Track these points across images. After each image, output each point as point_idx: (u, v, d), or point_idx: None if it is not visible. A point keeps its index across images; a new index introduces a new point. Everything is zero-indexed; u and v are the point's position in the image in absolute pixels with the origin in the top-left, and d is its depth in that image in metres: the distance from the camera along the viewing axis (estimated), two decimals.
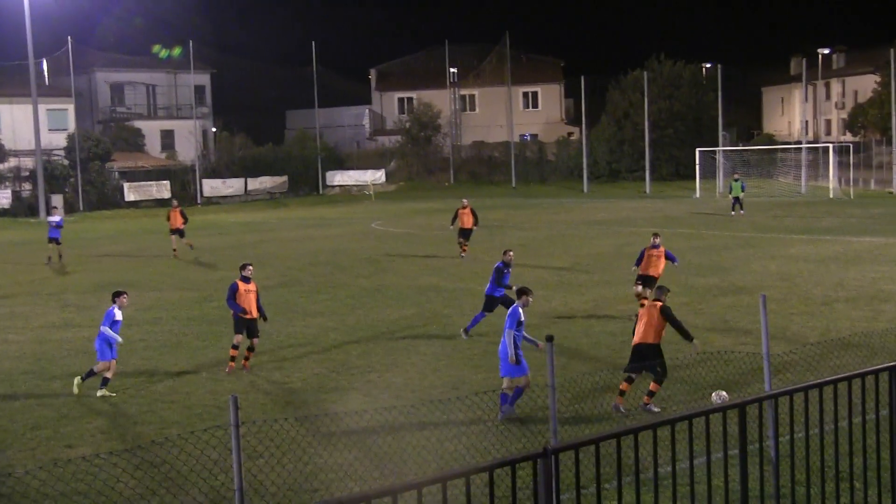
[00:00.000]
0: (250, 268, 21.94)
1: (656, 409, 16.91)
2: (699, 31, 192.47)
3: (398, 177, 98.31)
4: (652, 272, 26.23)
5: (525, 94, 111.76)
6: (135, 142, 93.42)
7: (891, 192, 69.05)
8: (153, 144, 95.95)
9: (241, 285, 21.52)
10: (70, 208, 77.17)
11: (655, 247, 26.56)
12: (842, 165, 72.05)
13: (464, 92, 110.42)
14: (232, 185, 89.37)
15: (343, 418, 15.84)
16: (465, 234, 39.18)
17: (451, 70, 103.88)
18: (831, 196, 66.60)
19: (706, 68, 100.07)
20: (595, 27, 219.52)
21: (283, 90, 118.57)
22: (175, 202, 48.15)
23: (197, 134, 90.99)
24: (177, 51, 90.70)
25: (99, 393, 19.38)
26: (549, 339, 11.59)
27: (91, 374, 19.75)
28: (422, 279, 34.34)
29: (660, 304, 17.67)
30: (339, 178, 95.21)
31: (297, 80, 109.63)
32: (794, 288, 28.91)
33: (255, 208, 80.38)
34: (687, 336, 17.59)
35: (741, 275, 31.80)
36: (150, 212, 74.34)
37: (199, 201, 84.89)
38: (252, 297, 21.54)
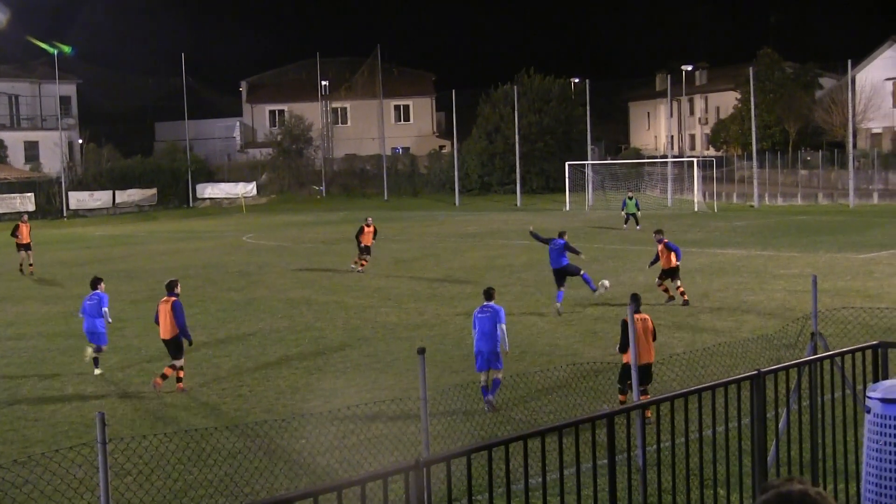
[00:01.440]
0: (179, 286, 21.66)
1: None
2: (568, 46, 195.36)
3: (270, 189, 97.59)
4: (665, 265, 29.30)
5: (397, 108, 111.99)
6: None
7: (752, 206, 70.88)
8: (16, 156, 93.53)
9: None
10: None
11: (659, 241, 29.75)
12: (706, 179, 73.72)
13: (335, 105, 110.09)
14: (99, 198, 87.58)
15: (213, 434, 15.66)
16: (366, 250, 38.90)
17: (323, 83, 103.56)
18: (696, 209, 68.07)
19: (575, 83, 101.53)
20: (466, 41, 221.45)
21: (151, 101, 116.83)
22: (25, 216, 46.15)
23: (63, 145, 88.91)
24: (66, 48, 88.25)
25: (97, 371, 22.00)
26: (421, 351, 11.64)
27: (97, 360, 22.25)
28: (293, 292, 34.14)
29: (648, 316, 17.70)
30: (210, 190, 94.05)
31: (167, 91, 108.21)
32: (661, 299, 29.47)
33: (124, 221, 78.92)
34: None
35: (610, 287, 32.28)
36: (13, 225, 72.36)
37: (65, 214, 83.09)
38: None
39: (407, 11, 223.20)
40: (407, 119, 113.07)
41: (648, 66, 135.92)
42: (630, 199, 56.90)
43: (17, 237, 42.08)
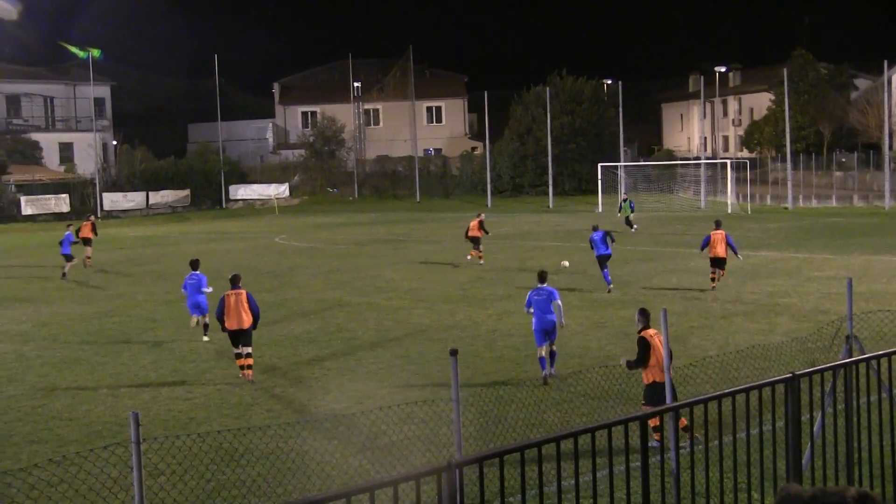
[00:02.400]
0: None
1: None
2: (600, 47, 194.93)
3: (302, 191, 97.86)
4: (715, 253, 31.64)
5: (429, 109, 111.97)
6: (32, 154, 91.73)
7: (785, 208, 70.45)
8: (51, 157, 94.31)
9: None
10: None
11: (717, 230, 32.21)
12: (739, 181, 73.33)
13: (367, 106, 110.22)
14: (133, 199, 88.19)
15: (246, 434, 15.70)
16: (474, 241, 41.36)
17: (355, 84, 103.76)
18: (729, 211, 67.70)
19: (607, 84, 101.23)
20: (498, 43, 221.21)
21: (185, 103, 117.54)
22: (92, 216, 50.22)
23: (97, 147, 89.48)
24: (96, 52, 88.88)
25: (205, 338, 25.27)
26: (454, 352, 11.62)
27: (207, 326, 25.27)
28: (325, 293, 34.21)
29: (656, 331, 16.37)
30: (243, 191, 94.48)
31: (200, 93, 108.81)
32: (693, 301, 29.35)
33: (157, 222, 79.37)
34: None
35: (642, 288, 32.19)
36: (48, 226, 72.96)
37: (98, 215, 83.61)
38: None
39: (439, 13, 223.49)
40: (439, 120, 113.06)
41: (681, 67, 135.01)
42: (625, 201, 56.95)
43: (80, 233, 44.54)
